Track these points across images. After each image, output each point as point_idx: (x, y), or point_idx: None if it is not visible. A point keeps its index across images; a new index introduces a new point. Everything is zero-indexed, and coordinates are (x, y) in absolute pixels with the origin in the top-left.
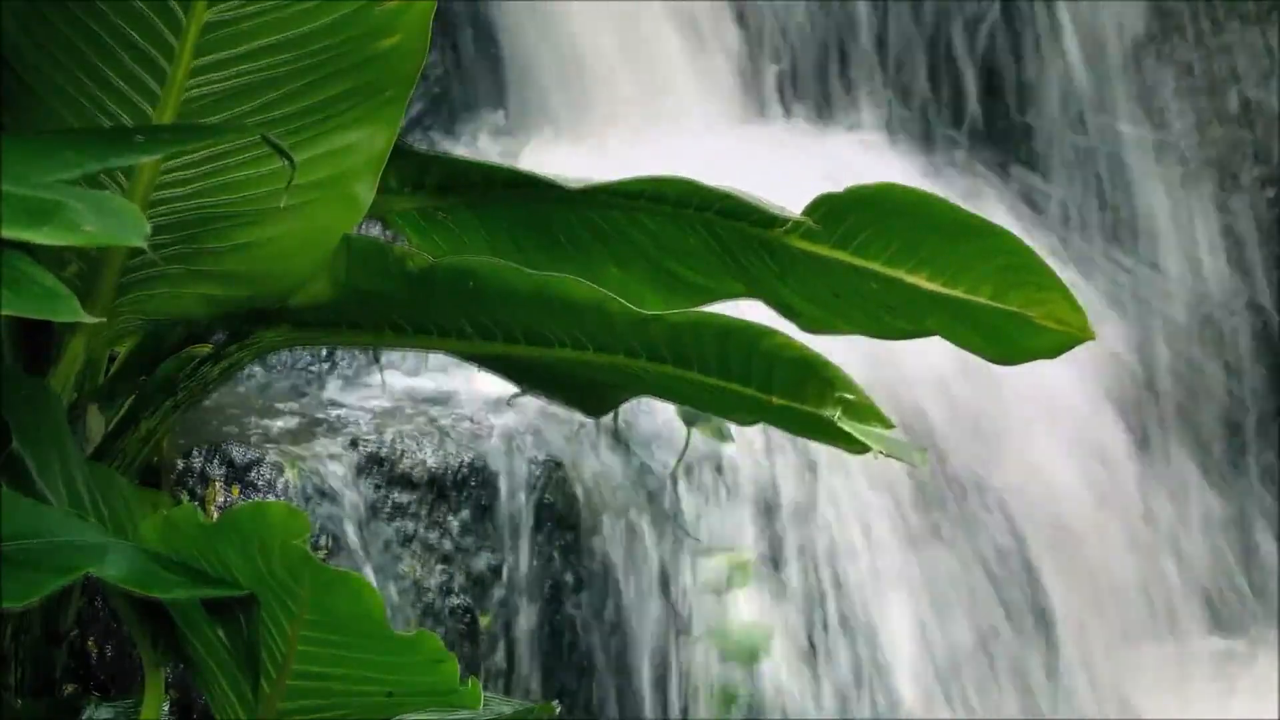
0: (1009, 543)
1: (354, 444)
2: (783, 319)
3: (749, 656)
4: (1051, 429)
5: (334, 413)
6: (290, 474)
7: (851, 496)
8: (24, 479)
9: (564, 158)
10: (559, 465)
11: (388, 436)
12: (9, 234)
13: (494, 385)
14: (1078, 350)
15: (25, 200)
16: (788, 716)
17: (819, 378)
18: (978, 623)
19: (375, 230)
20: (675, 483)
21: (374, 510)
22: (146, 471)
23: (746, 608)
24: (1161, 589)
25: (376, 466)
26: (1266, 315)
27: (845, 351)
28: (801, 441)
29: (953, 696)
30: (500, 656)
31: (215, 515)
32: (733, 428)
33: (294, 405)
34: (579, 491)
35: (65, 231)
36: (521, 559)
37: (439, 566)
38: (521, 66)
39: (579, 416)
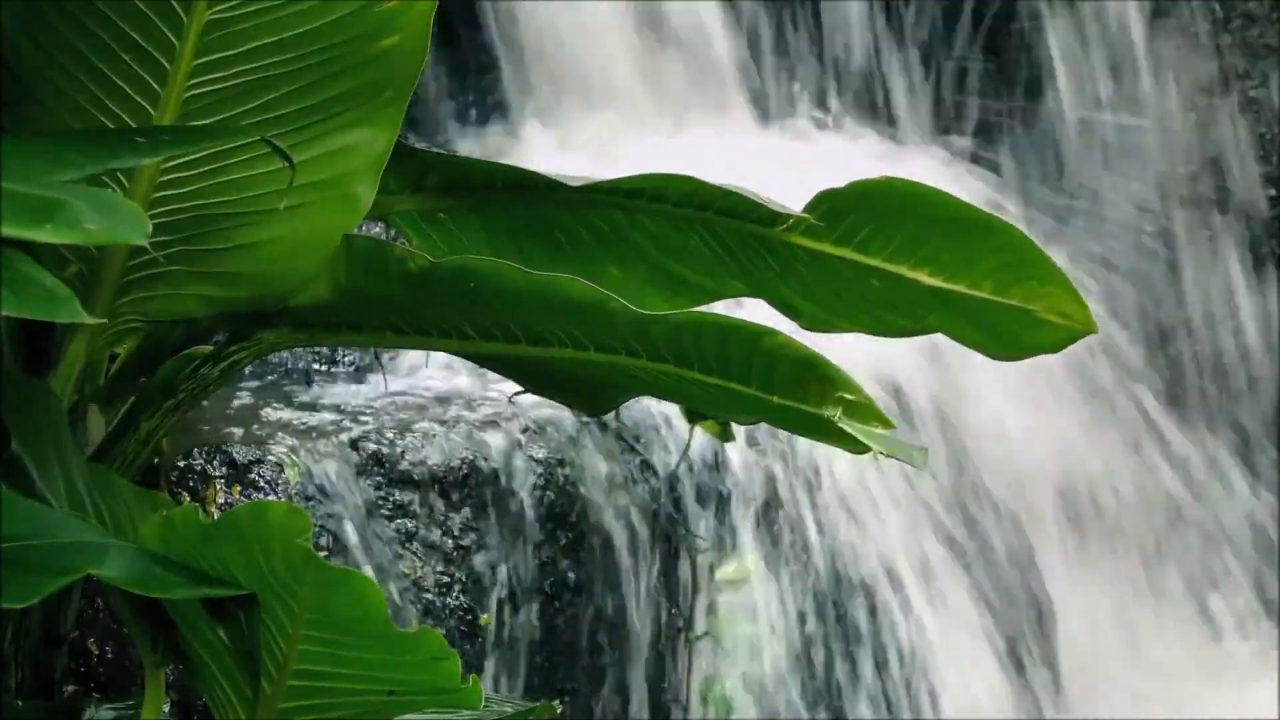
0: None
1: (354, 444)
2: (784, 318)
3: (749, 649)
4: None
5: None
6: (291, 473)
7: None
8: (24, 480)
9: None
10: (560, 464)
11: (389, 435)
12: (10, 232)
13: None
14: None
15: (27, 199)
16: (787, 715)
17: (820, 377)
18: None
19: (376, 231)
20: (676, 481)
21: (374, 509)
22: (147, 472)
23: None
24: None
25: (377, 465)
26: (1268, 319)
27: None
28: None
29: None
30: (501, 656)
31: (216, 515)
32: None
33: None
34: (580, 490)
35: (67, 230)
36: (522, 558)
37: (439, 566)
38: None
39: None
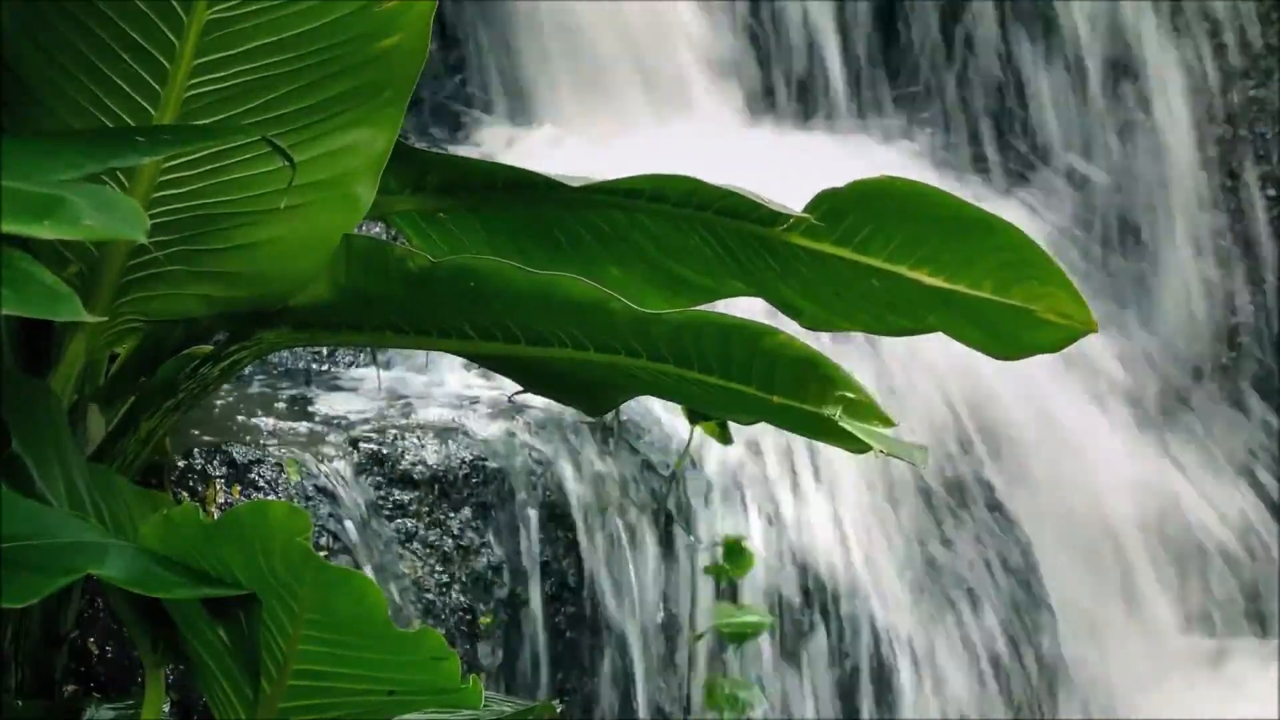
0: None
1: (354, 443)
2: (785, 318)
3: (748, 636)
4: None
5: None
6: (291, 473)
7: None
8: (24, 480)
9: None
10: (560, 463)
11: (389, 435)
12: (10, 229)
13: None
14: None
15: (26, 195)
16: (788, 715)
17: (820, 376)
18: None
19: (376, 231)
20: (676, 480)
21: (375, 509)
22: (147, 471)
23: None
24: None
25: (377, 465)
26: (1268, 314)
27: None
28: None
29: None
30: (501, 655)
31: (216, 515)
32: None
33: None
34: (580, 489)
35: (66, 226)
36: (522, 557)
37: (439, 566)
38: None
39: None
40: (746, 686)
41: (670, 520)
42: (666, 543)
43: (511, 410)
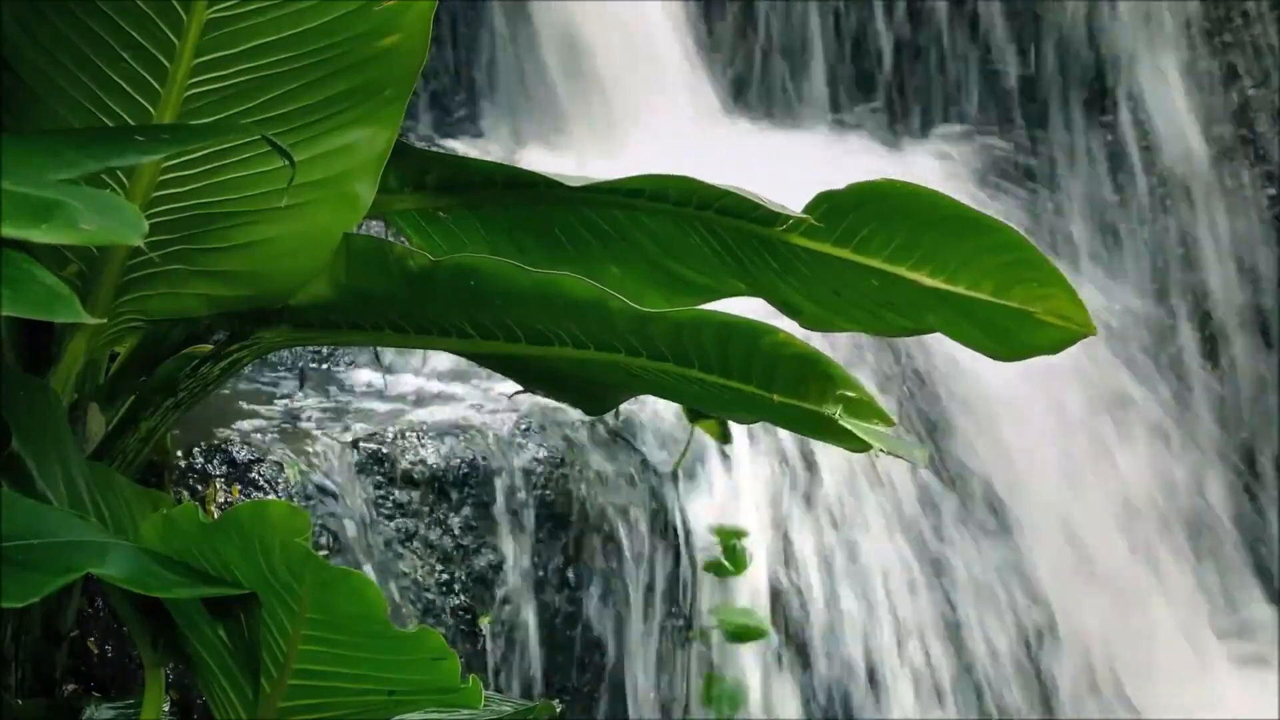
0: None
1: (355, 442)
2: (784, 317)
3: (750, 638)
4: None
5: None
6: (291, 472)
7: None
8: (24, 479)
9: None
10: (560, 463)
11: (388, 434)
12: (9, 232)
13: None
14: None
15: (25, 199)
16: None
17: (820, 375)
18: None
19: (376, 229)
20: (676, 480)
21: (375, 508)
22: (147, 470)
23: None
24: None
25: (377, 465)
26: (1267, 315)
27: None
28: None
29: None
30: (500, 655)
31: (216, 514)
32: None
33: None
34: (580, 489)
35: (65, 230)
36: (522, 557)
37: (439, 565)
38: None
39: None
40: (743, 683)
41: (669, 518)
42: (665, 542)
43: (511, 409)
